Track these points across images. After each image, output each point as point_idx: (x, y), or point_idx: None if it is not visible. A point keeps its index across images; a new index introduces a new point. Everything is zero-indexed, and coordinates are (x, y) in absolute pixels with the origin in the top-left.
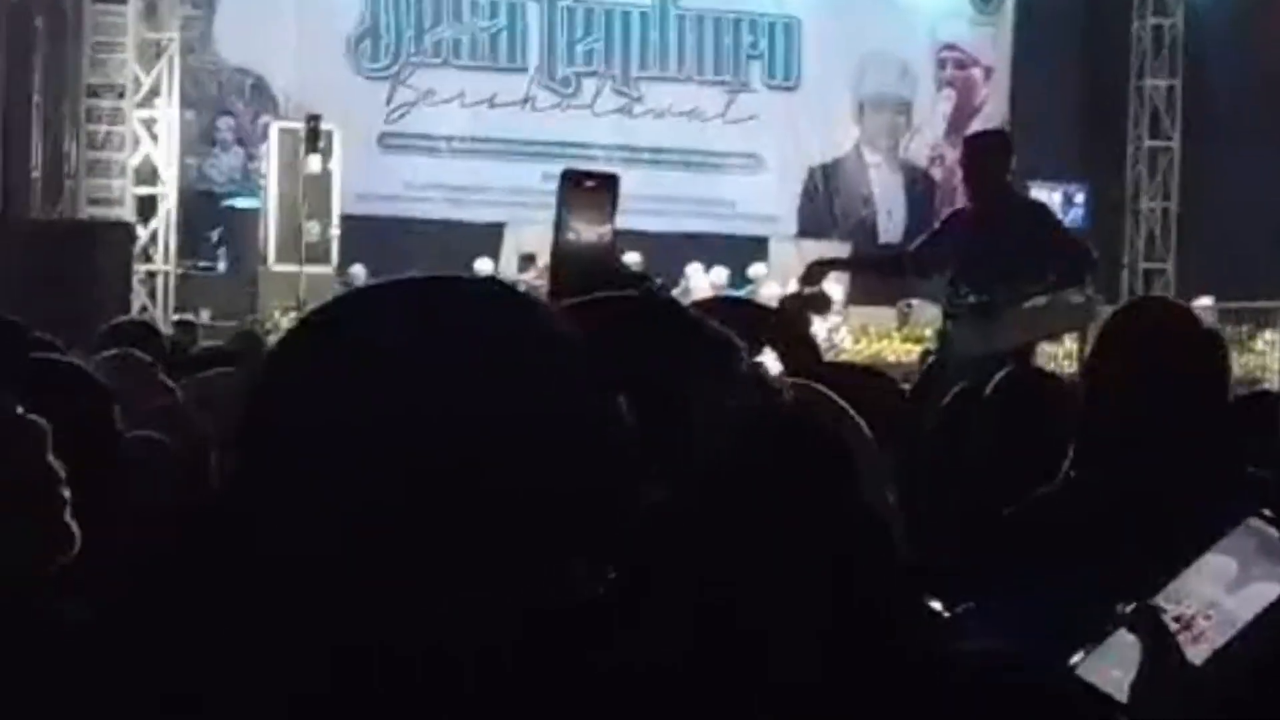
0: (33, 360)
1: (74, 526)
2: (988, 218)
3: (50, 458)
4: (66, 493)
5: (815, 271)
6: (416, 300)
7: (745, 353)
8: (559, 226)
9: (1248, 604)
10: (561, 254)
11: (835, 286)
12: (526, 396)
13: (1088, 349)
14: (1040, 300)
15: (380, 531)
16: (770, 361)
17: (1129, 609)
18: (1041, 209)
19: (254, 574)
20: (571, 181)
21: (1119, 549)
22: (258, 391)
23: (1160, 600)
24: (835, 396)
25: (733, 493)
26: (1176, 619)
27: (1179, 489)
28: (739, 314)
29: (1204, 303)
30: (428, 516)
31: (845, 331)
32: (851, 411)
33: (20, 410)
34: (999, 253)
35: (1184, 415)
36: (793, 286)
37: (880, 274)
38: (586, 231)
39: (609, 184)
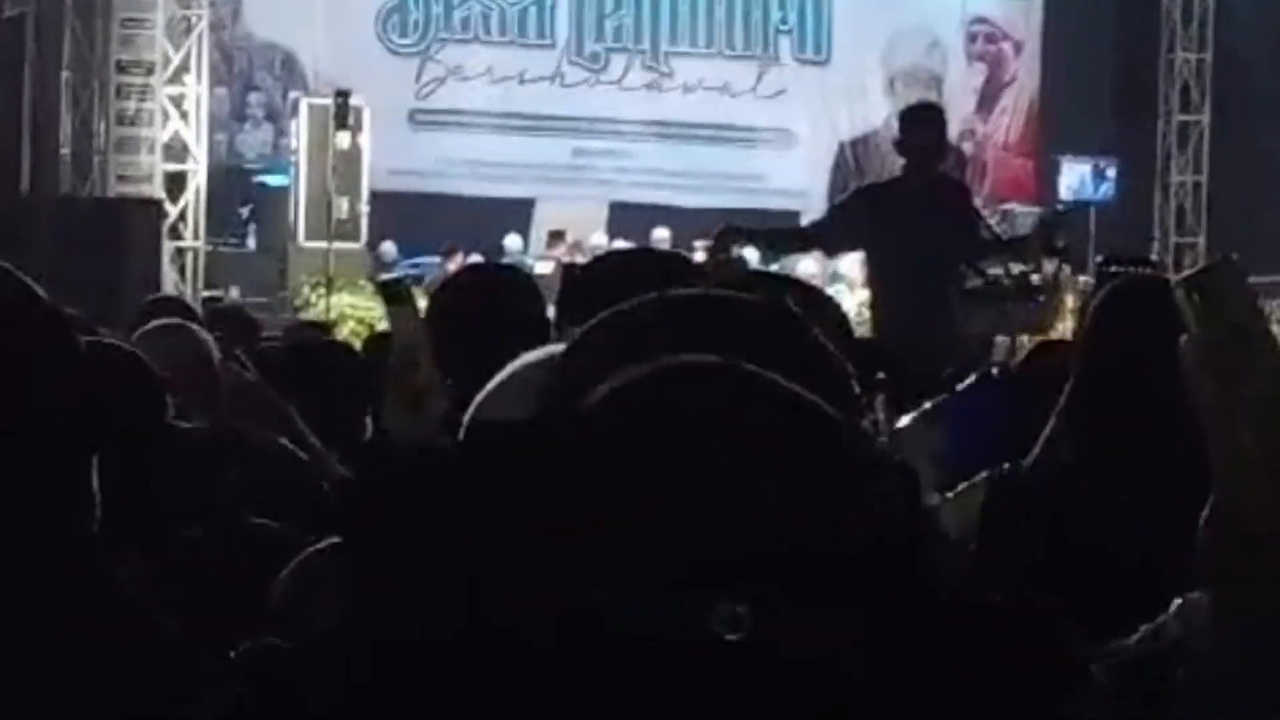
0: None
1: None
2: (924, 194)
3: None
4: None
5: (722, 240)
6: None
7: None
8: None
9: None
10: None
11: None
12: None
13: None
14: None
15: None
16: None
17: None
18: (968, 191)
19: None
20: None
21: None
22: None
23: None
24: None
25: None
26: None
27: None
28: (786, 293)
29: None
30: None
31: None
32: None
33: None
34: (941, 232)
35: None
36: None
37: (782, 249)
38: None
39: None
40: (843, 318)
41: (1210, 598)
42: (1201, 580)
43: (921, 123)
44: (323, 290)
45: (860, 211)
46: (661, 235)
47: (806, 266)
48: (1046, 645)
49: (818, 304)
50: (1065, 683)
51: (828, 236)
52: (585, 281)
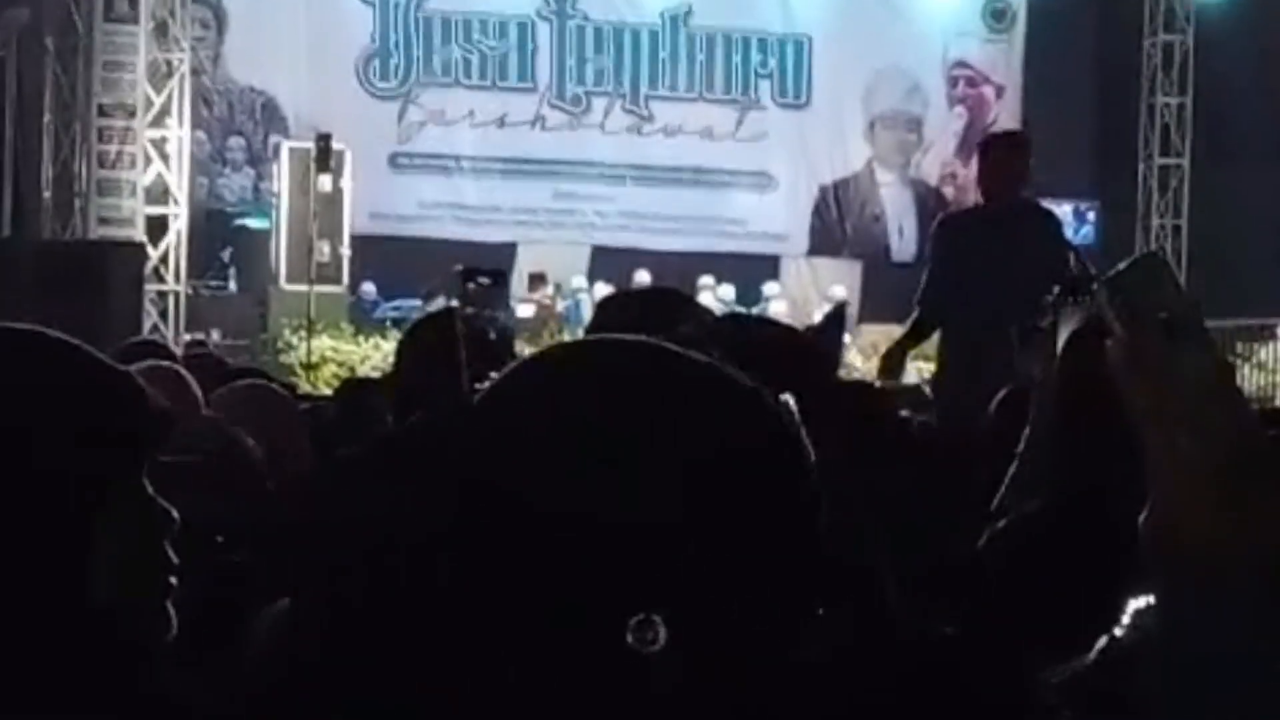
0: None
1: (173, 613)
2: (1003, 221)
3: (167, 545)
4: (174, 579)
5: (891, 363)
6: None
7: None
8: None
9: None
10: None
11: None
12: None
13: None
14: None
15: None
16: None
17: None
18: (1054, 218)
19: None
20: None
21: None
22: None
23: None
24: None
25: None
26: None
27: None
28: (750, 333)
29: None
30: None
31: (855, 350)
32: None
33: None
34: (1018, 260)
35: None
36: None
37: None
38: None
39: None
40: (814, 353)
41: (1154, 602)
42: (1145, 585)
43: (1004, 148)
44: (304, 333)
45: (942, 265)
46: (643, 278)
47: (778, 307)
48: (1000, 674)
49: (787, 342)
50: (1019, 710)
51: (933, 309)
52: (615, 319)
